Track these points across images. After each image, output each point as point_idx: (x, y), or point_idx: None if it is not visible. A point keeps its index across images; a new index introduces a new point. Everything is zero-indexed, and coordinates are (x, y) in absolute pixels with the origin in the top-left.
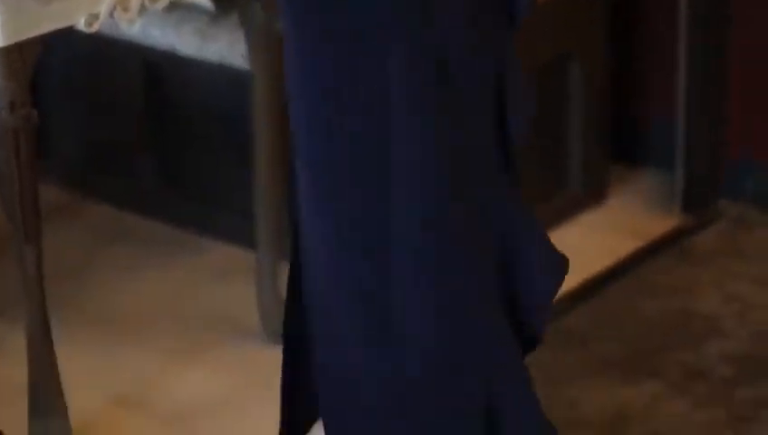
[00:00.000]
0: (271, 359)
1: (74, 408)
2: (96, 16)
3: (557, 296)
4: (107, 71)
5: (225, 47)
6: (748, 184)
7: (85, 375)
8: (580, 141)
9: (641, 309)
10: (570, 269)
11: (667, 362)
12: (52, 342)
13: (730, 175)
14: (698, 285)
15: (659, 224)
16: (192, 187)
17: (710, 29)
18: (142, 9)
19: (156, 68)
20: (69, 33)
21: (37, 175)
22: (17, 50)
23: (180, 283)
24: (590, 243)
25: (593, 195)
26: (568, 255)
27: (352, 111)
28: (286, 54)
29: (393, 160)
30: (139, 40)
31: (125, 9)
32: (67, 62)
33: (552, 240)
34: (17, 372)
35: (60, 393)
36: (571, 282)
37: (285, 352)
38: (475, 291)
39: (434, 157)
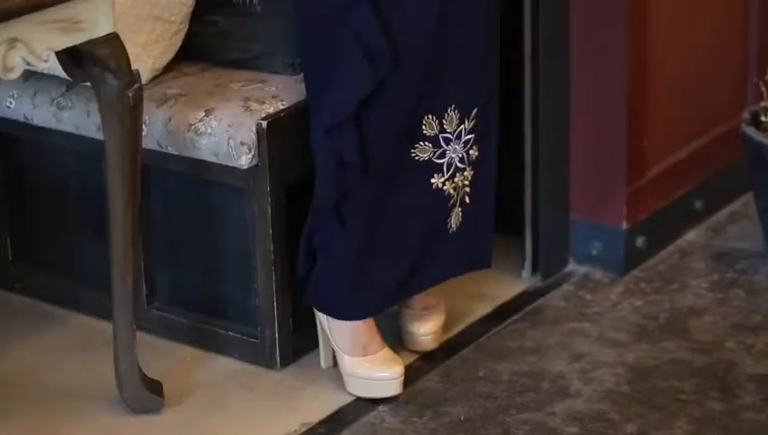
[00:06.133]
0: (130, 428)
1: None
2: None
3: (409, 362)
4: None
5: (80, 117)
6: (593, 246)
7: None
8: None
9: (491, 372)
10: None
11: (516, 423)
12: None
13: (576, 238)
14: (546, 346)
15: (508, 288)
16: (49, 259)
17: (552, 103)
18: None
19: (11, 139)
20: None
21: None
22: None
23: (40, 356)
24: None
25: None
26: None
27: None
28: None
29: None
30: None
31: None
32: None
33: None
34: None
35: None
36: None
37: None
38: None
39: None
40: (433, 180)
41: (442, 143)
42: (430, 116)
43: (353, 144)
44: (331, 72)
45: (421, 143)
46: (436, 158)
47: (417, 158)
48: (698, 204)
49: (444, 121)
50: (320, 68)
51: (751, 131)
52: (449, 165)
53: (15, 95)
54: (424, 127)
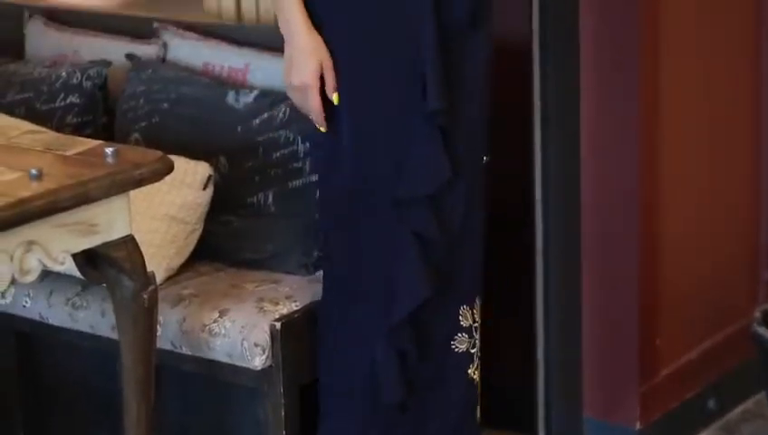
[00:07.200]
0: None
1: None
2: None
3: None
4: None
5: (95, 317)
6: None
7: None
8: None
9: None
10: None
11: None
12: None
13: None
14: None
15: None
16: None
17: (564, 300)
18: (12, 281)
19: (26, 338)
20: None
21: None
22: None
23: None
24: None
25: None
26: None
27: None
28: None
29: None
30: (9, 310)
31: None
32: None
33: None
34: None
35: None
36: None
37: None
38: None
39: None
40: (469, 370)
41: (474, 333)
42: (465, 307)
43: (413, 341)
44: (361, 273)
45: (460, 335)
46: (472, 347)
47: (456, 350)
48: (711, 403)
49: (474, 312)
50: (347, 269)
51: (762, 331)
52: (477, 355)
53: (31, 294)
54: (461, 318)
